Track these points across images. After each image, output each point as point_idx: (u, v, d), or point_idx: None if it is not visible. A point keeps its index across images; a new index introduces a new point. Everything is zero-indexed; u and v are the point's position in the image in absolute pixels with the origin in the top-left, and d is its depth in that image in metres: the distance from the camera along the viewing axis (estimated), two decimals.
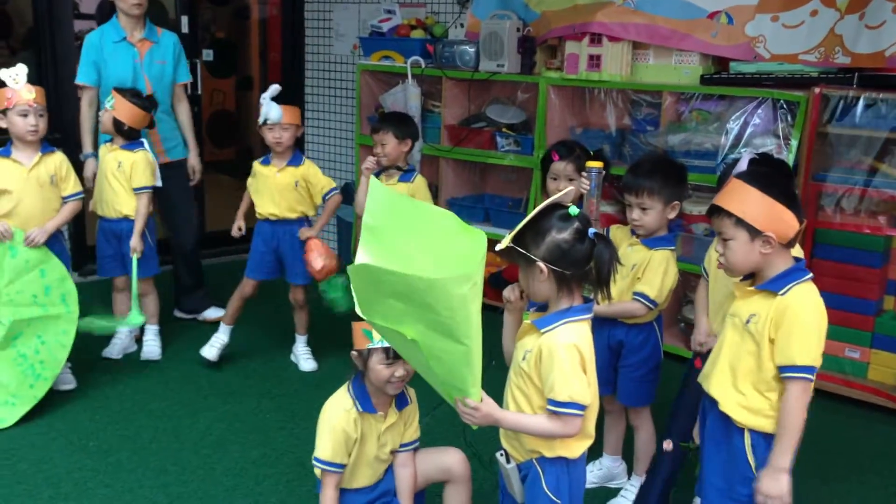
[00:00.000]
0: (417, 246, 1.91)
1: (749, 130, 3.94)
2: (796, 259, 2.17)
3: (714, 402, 2.22)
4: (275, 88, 3.77)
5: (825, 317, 2.12)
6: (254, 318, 4.38)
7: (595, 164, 2.82)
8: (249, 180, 4.01)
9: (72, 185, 3.69)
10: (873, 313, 3.78)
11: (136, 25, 4.22)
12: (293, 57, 6.15)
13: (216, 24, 7.62)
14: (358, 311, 1.88)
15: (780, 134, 3.87)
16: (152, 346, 4.16)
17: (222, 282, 4.72)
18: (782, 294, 2.09)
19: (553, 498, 2.10)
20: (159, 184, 4.01)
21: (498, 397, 2.08)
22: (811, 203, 3.80)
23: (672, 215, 2.80)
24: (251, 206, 4.02)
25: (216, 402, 3.73)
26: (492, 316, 2.31)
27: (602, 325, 2.87)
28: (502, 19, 4.67)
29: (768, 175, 2.19)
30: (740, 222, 2.09)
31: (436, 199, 5.07)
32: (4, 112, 3.52)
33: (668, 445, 2.73)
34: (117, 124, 3.88)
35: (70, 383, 3.76)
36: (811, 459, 3.29)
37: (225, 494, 3.02)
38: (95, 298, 4.36)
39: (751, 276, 2.20)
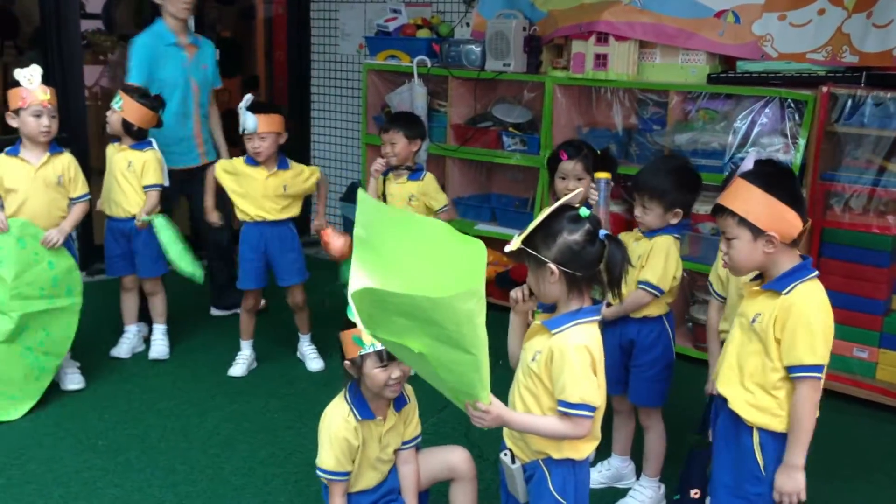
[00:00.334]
0: (411, 257, 1.90)
1: (756, 130, 3.93)
2: (803, 258, 2.17)
3: (724, 401, 2.23)
4: (248, 98, 3.77)
5: (831, 315, 2.12)
6: (261, 318, 4.38)
7: (603, 175, 2.82)
8: (224, 174, 3.88)
9: (80, 187, 3.70)
10: (882, 313, 3.77)
11: (183, 29, 4.33)
12: (299, 56, 6.16)
13: (222, 24, 7.63)
14: (361, 327, 1.88)
15: (788, 133, 3.86)
16: (160, 346, 4.16)
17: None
18: (786, 293, 2.10)
19: (559, 499, 2.11)
20: (167, 183, 4.02)
21: (502, 397, 2.08)
22: (819, 202, 3.80)
23: (674, 221, 2.80)
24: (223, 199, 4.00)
25: (224, 401, 3.74)
26: (498, 316, 2.32)
27: (613, 324, 2.87)
28: (508, 18, 4.67)
29: (772, 174, 2.19)
30: (743, 221, 2.11)
31: None
32: (17, 112, 3.53)
33: (696, 494, 2.74)
34: (126, 125, 3.89)
35: (79, 383, 3.77)
36: (819, 459, 3.27)
37: (233, 494, 3.03)
38: (103, 298, 4.39)
39: (760, 277, 2.21)
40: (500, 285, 4.51)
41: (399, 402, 2.47)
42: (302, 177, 3.93)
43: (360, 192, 1.98)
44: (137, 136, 3.93)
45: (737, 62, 4.15)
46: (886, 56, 3.78)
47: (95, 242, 5.07)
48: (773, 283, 2.13)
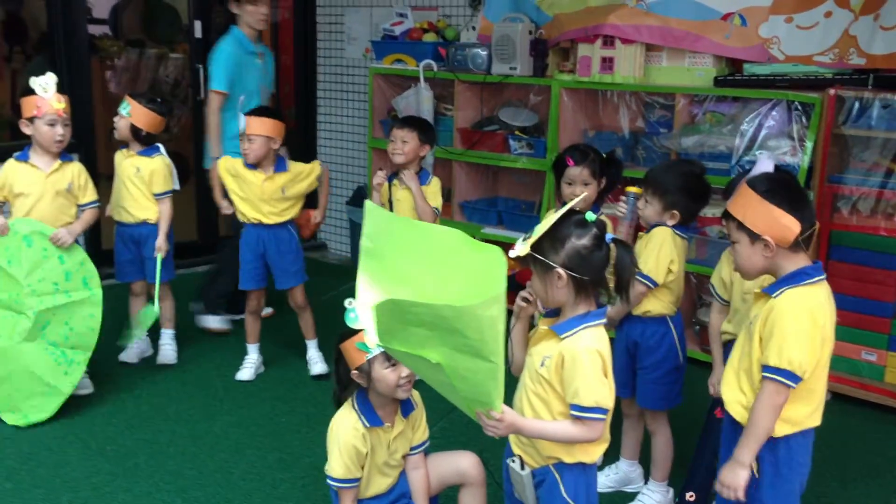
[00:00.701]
0: (424, 267, 1.89)
1: (763, 132, 3.93)
2: (815, 262, 2.17)
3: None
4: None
5: (816, 323, 2.09)
6: (267, 322, 4.40)
7: (635, 190, 2.84)
8: (226, 174, 3.90)
9: (89, 193, 3.72)
10: (890, 315, 3.75)
11: (257, 38, 4.46)
12: (305, 61, 6.17)
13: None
14: (375, 340, 1.88)
15: (795, 136, 3.86)
16: (168, 351, 4.17)
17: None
18: (775, 297, 2.11)
19: (571, 503, 2.10)
20: (177, 187, 4.03)
21: (506, 403, 2.06)
22: (826, 205, 3.79)
23: (670, 222, 2.80)
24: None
25: (232, 406, 3.75)
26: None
27: (619, 326, 2.88)
28: (514, 22, 4.67)
29: (773, 179, 2.20)
30: (741, 226, 2.14)
31: (448, 202, 5.09)
32: (31, 119, 3.54)
33: (691, 497, 2.75)
34: (135, 130, 3.90)
35: (87, 388, 3.78)
36: (828, 462, 3.28)
37: (242, 498, 3.03)
38: (111, 303, 4.39)
39: None
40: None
41: (406, 408, 2.47)
42: (301, 176, 3.91)
43: (368, 203, 1.97)
44: (146, 142, 3.94)
45: (743, 65, 4.15)
46: (894, 58, 3.77)
47: (103, 247, 5.09)
48: (770, 287, 2.15)
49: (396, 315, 1.80)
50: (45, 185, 3.58)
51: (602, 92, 4.54)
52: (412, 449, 2.51)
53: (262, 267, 3.97)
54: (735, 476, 2.12)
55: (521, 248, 2.01)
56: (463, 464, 2.55)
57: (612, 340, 2.16)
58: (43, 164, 3.59)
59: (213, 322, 4.59)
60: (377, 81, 5.33)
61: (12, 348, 3.46)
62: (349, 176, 6.09)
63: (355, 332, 2.31)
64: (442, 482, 2.57)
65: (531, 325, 2.23)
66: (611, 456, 2.93)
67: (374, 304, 1.79)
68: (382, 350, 2.27)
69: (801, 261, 2.14)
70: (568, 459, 2.10)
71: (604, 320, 2.08)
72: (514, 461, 2.19)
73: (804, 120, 3.84)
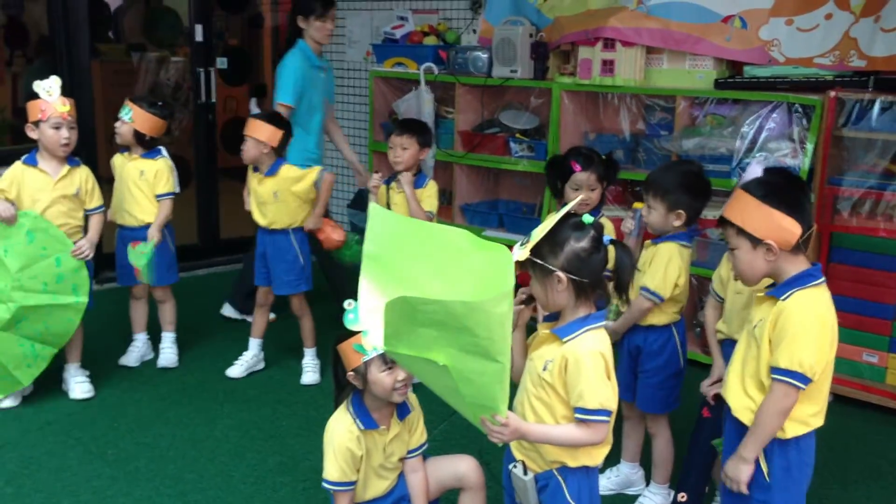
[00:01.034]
0: (430, 268, 1.88)
1: (764, 135, 3.93)
2: (813, 265, 2.17)
3: (730, 409, 2.23)
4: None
5: (826, 324, 2.10)
6: (270, 325, 4.39)
7: (642, 206, 2.84)
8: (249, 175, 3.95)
9: (96, 198, 3.76)
10: (891, 317, 3.75)
11: (321, 53, 4.50)
12: None
13: (229, 32, 7.65)
14: (380, 345, 1.87)
15: (796, 138, 3.86)
16: (169, 354, 4.17)
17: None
18: (783, 300, 2.11)
19: None
20: (178, 189, 4.04)
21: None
22: (827, 207, 3.79)
23: (677, 223, 2.79)
24: None
25: (233, 409, 3.75)
26: None
27: None
28: (515, 25, 4.67)
29: (770, 183, 2.20)
30: (741, 232, 2.13)
31: (449, 204, 5.09)
32: (37, 123, 3.55)
33: (682, 498, 2.75)
34: (138, 135, 3.90)
35: (88, 392, 3.78)
36: (830, 464, 3.28)
37: (243, 502, 3.03)
38: (112, 307, 4.40)
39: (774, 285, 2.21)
40: None
41: (402, 411, 2.47)
42: (290, 181, 3.81)
43: (373, 206, 1.97)
44: (148, 146, 3.95)
45: (744, 67, 4.15)
46: (894, 61, 3.76)
47: (104, 251, 5.09)
48: (775, 289, 2.15)
49: (406, 314, 1.78)
50: (54, 191, 3.61)
51: (603, 94, 4.54)
52: (410, 452, 2.51)
53: (265, 267, 3.99)
54: (738, 471, 2.16)
55: (520, 252, 2.01)
56: (462, 467, 2.55)
57: (614, 344, 2.16)
58: (51, 170, 3.61)
59: (229, 311, 4.78)
60: (378, 84, 5.33)
61: None
62: (350, 179, 6.07)
63: (353, 333, 2.31)
64: (441, 486, 2.57)
65: (529, 331, 2.23)
66: (612, 458, 2.92)
67: (381, 305, 1.78)
68: (379, 352, 2.27)
69: (802, 263, 2.14)
70: (572, 463, 2.09)
71: (604, 322, 2.08)
72: (515, 467, 2.19)
73: (805, 122, 3.84)
